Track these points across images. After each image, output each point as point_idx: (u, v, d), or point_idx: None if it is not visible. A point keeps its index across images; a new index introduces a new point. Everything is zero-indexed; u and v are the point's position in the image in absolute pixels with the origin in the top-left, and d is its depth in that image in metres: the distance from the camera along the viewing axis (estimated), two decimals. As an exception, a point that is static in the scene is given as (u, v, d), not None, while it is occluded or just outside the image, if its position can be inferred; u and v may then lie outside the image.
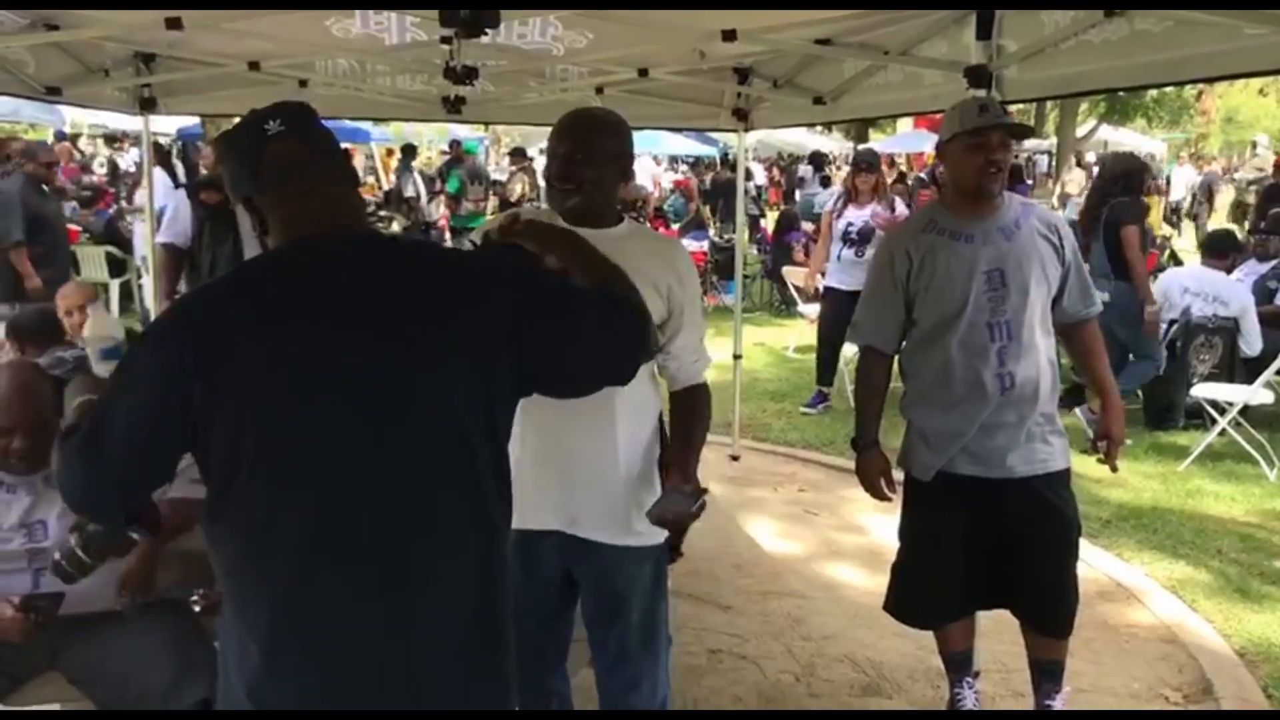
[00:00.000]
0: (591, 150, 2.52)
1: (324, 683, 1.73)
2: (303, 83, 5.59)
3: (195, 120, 13.76)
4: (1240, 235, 11.03)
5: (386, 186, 16.93)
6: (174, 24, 3.78)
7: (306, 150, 1.83)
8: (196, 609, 3.45)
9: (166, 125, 16.07)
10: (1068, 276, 3.34)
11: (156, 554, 3.01)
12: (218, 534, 1.77)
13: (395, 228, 15.26)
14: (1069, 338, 3.52)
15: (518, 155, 17.76)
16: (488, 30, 2.69)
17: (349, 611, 1.72)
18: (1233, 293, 7.74)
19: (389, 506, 1.73)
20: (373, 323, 1.74)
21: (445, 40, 4.26)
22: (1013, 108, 3.83)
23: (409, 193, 15.52)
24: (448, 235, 15.56)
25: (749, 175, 25.64)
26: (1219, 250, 8.21)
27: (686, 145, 29.41)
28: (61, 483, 1.78)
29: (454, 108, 5.76)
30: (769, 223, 16.52)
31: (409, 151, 16.64)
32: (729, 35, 3.86)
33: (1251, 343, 7.51)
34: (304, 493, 1.70)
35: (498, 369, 1.80)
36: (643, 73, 5.27)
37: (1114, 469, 3.50)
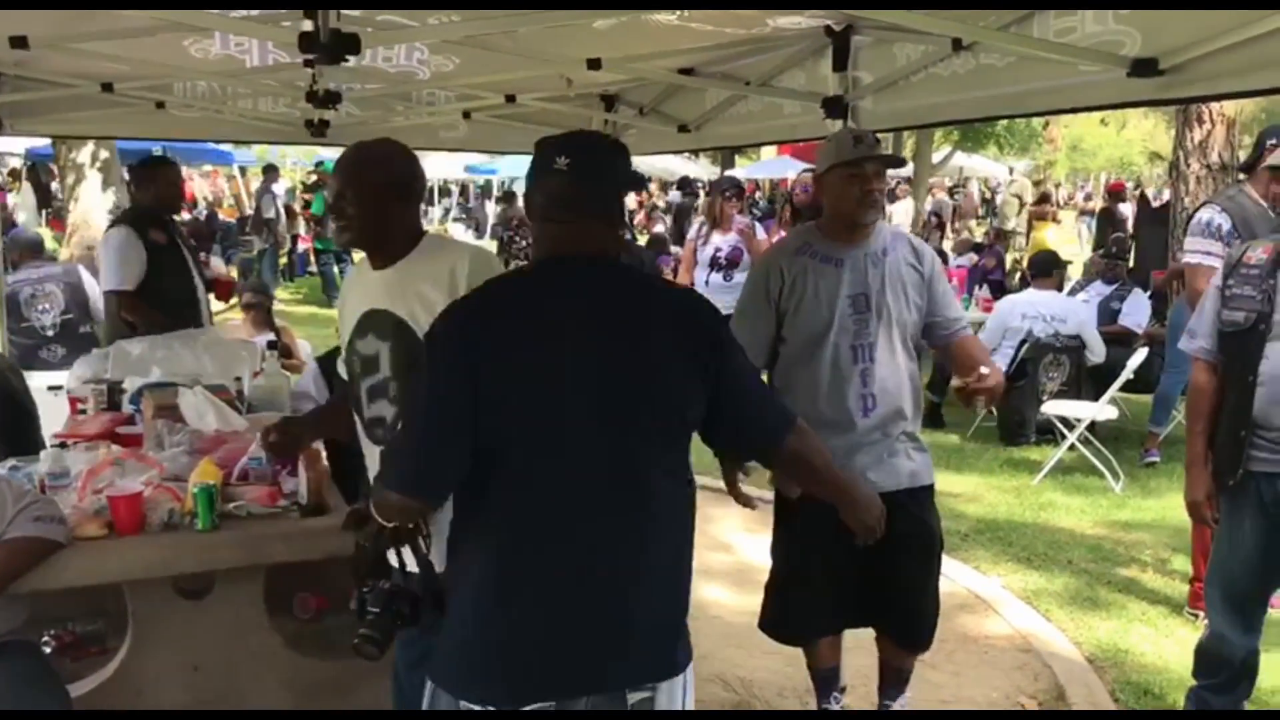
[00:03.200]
0: (357, 186, 2.63)
1: (550, 616, 2.09)
2: (160, 104, 5.44)
3: (46, 141, 13.23)
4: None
5: (248, 210, 16.53)
6: (19, 43, 3.64)
7: (577, 190, 2.13)
8: (47, 650, 3.34)
9: (13, 145, 15.40)
10: (933, 300, 3.48)
11: None
12: (482, 503, 2.10)
13: (255, 251, 14.93)
14: (949, 351, 3.63)
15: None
16: (349, 57, 2.66)
17: (582, 561, 2.10)
18: (1068, 310, 8.14)
19: (618, 486, 2.11)
20: (611, 333, 2.10)
21: (308, 64, 4.20)
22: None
23: (269, 214, 15.18)
24: (311, 256, 15.29)
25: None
26: (1046, 270, 8.65)
27: (557, 169, 29.38)
28: (388, 473, 2.15)
29: (318, 131, 5.68)
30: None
31: (270, 172, 16.28)
32: (594, 64, 3.90)
33: (1096, 350, 7.91)
34: (557, 474, 2.07)
35: (693, 395, 2.16)
36: (510, 99, 5.27)
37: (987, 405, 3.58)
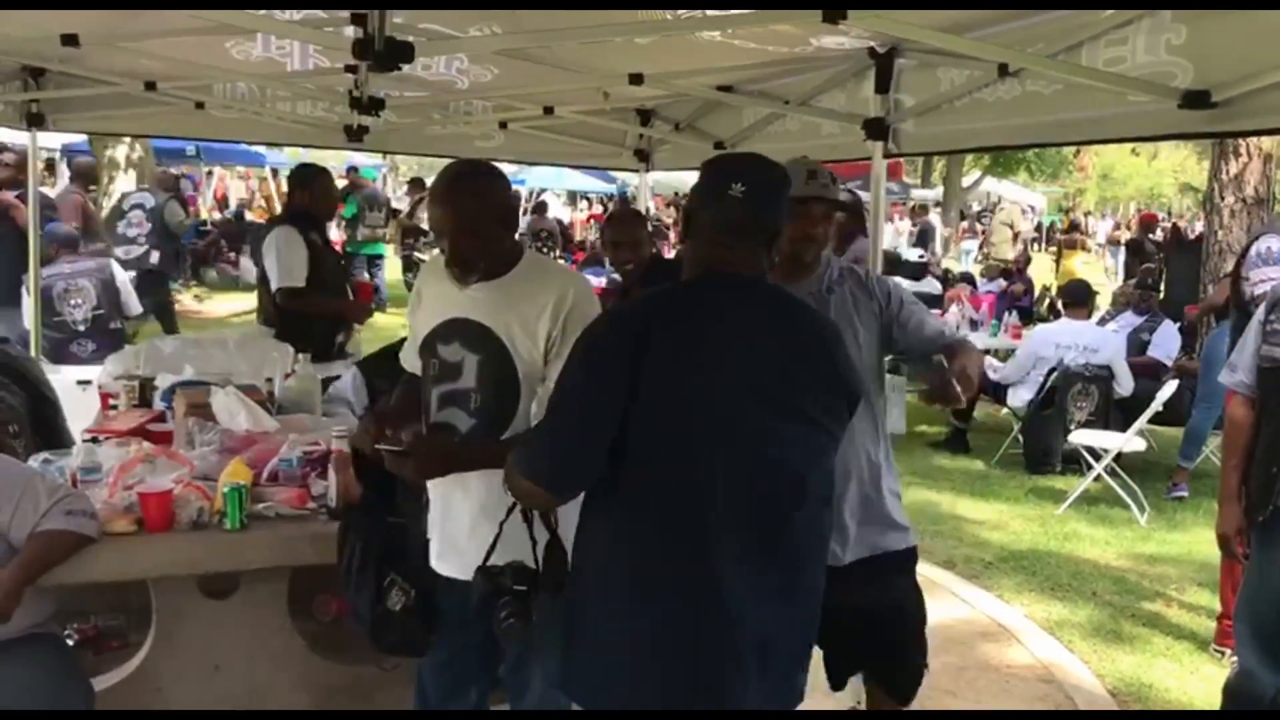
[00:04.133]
0: (463, 214, 2.62)
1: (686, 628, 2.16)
2: (199, 105, 5.48)
3: (82, 137, 13.35)
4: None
5: (278, 212, 16.57)
6: (70, 41, 3.67)
7: (750, 218, 2.21)
8: (70, 642, 3.35)
9: (49, 141, 15.55)
10: (892, 326, 3.16)
11: (15, 588, 2.88)
12: (628, 507, 2.16)
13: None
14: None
15: (417, 185, 17.63)
16: (401, 65, 2.68)
17: (724, 573, 2.15)
18: (1101, 340, 8.10)
19: (765, 500, 2.18)
20: (768, 351, 2.19)
21: (350, 69, 4.23)
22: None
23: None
24: (341, 260, 15.32)
25: (648, 213, 25.86)
26: (1080, 300, 8.64)
27: (587, 182, 29.53)
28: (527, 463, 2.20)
29: (356, 136, 5.71)
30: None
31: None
32: (636, 79, 3.91)
33: (1125, 384, 7.86)
34: (706, 482, 2.12)
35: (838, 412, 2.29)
36: (548, 110, 5.29)
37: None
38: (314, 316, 5.27)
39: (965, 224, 27.99)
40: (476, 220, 2.61)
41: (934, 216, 22.80)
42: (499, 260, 2.67)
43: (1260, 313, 3.47)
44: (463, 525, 2.73)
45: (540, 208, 20.98)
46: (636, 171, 6.82)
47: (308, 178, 5.63)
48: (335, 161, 23.85)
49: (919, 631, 3.34)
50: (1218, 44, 2.52)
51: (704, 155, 5.88)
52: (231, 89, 5.49)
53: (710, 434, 2.12)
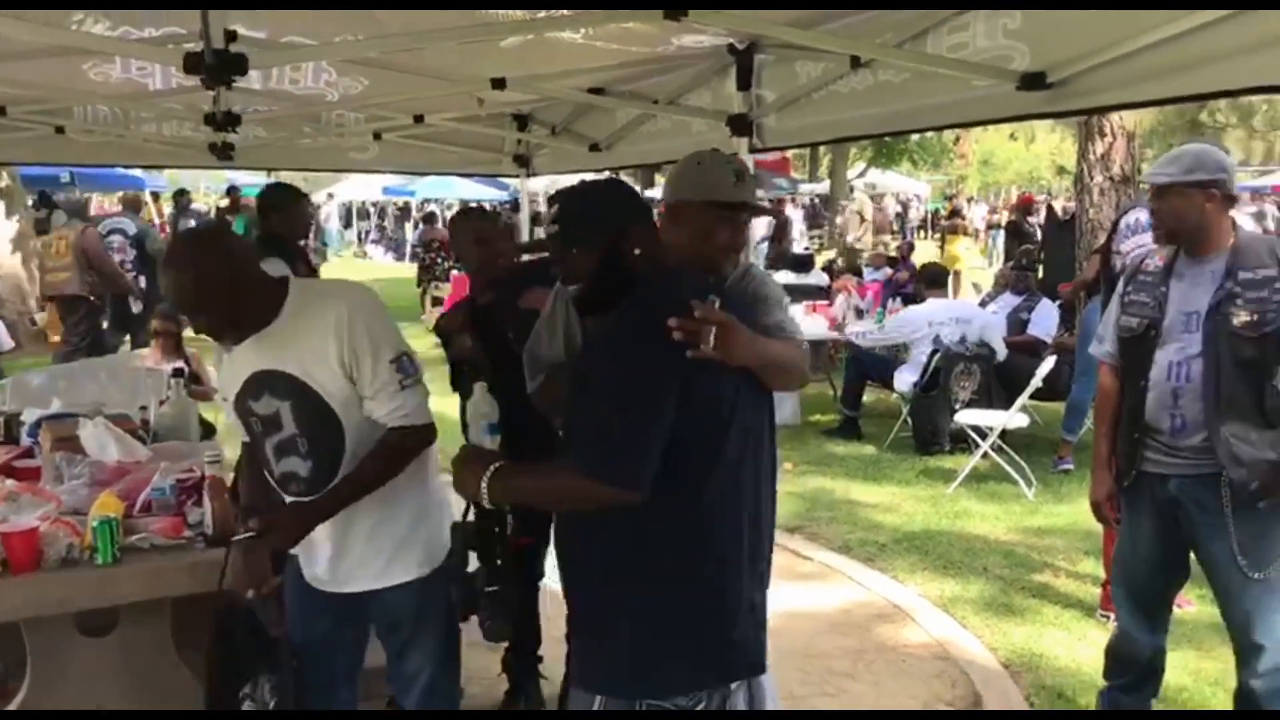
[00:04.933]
0: (192, 291, 2.59)
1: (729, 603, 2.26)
2: (59, 129, 5.31)
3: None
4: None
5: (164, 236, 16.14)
6: (-95, 68, 3.53)
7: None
8: None
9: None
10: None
11: None
12: (671, 493, 2.16)
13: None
14: None
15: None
16: (235, 77, 2.62)
17: (750, 546, 2.30)
18: (969, 310, 8.53)
19: (765, 467, 2.33)
20: None
21: (209, 86, 4.13)
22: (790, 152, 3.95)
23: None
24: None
25: (540, 220, 25.76)
26: (938, 282, 9.12)
27: (479, 190, 29.37)
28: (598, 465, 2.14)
29: (223, 154, 5.59)
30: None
31: (182, 197, 15.98)
32: (498, 83, 3.90)
33: (1000, 351, 8.28)
34: (735, 461, 2.22)
35: None
36: (418, 119, 5.24)
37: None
38: None
39: (857, 216, 28.45)
40: (198, 300, 2.60)
41: (790, 209, 23.01)
42: (257, 313, 2.66)
43: (1120, 285, 3.59)
44: (360, 532, 2.80)
45: (429, 218, 20.84)
46: (517, 177, 6.80)
47: (278, 200, 5.41)
48: (217, 181, 23.39)
49: None
50: (1051, 26, 2.60)
51: (582, 158, 5.93)
52: (92, 112, 5.34)
53: (741, 427, 2.22)
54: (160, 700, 3.37)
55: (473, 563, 2.71)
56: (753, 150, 3.91)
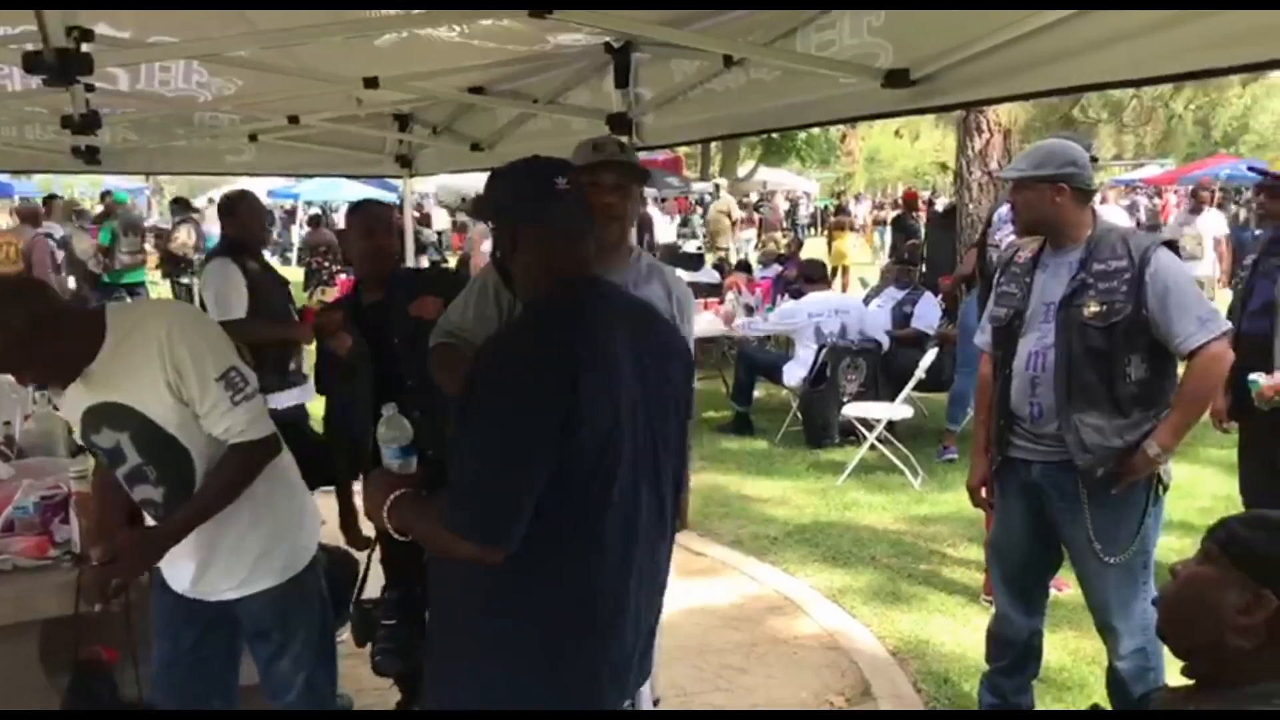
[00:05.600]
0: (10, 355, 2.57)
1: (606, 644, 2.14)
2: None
3: None
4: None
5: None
6: None
7: (580, 208, 2.17)
8: None
9: None
10: None
11: None
12: (547, 533, 2.00)
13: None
14: None
15: (181, 205, 16.83)
16: (84, 78, 2.53)
17: (632, 582, 2.15)
18: (847, 302, 8.86)
19: (655, 502, 2.16)
20: (646, 347, 2.14)
21: (52, 86, 3.98)
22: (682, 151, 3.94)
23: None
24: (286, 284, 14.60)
25: (428, 221, 25.46)
26: (819, 277, 9.43)
27: (365, 191, 28.88)
28: (465, 522, 1.98)
29: (88, 158, 5.39)
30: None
31: (50, 203, 15.40)
32: (371, 83, 3.82)
33: (883, 341, 8.54)
34: (618, 498, 2.05)
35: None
36: (293, 120, 5.12)
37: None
38: (261, 346, 4.85)
39: (744, 214, 28.76)
40: (11, 361, 2.56)
41: (652, 208, 23.11)
42: (77, 355, 2.60)
43: (995, 276, 3.69)
44: (223, 545, 2.78)
45: (315, 221, 20.49)
46: (399, 178, 6.69)
47: (229, 205, 5.41)
48: (92, 186, 22.62)
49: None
50: (913, 25, 2.65)
51: (464, 157, 5.86)
52: (-53, 116, 5.11)
53: (618, 445, 2.03)
54: (27, 723, 3.25)
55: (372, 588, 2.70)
56: (634, 149, 3.91)
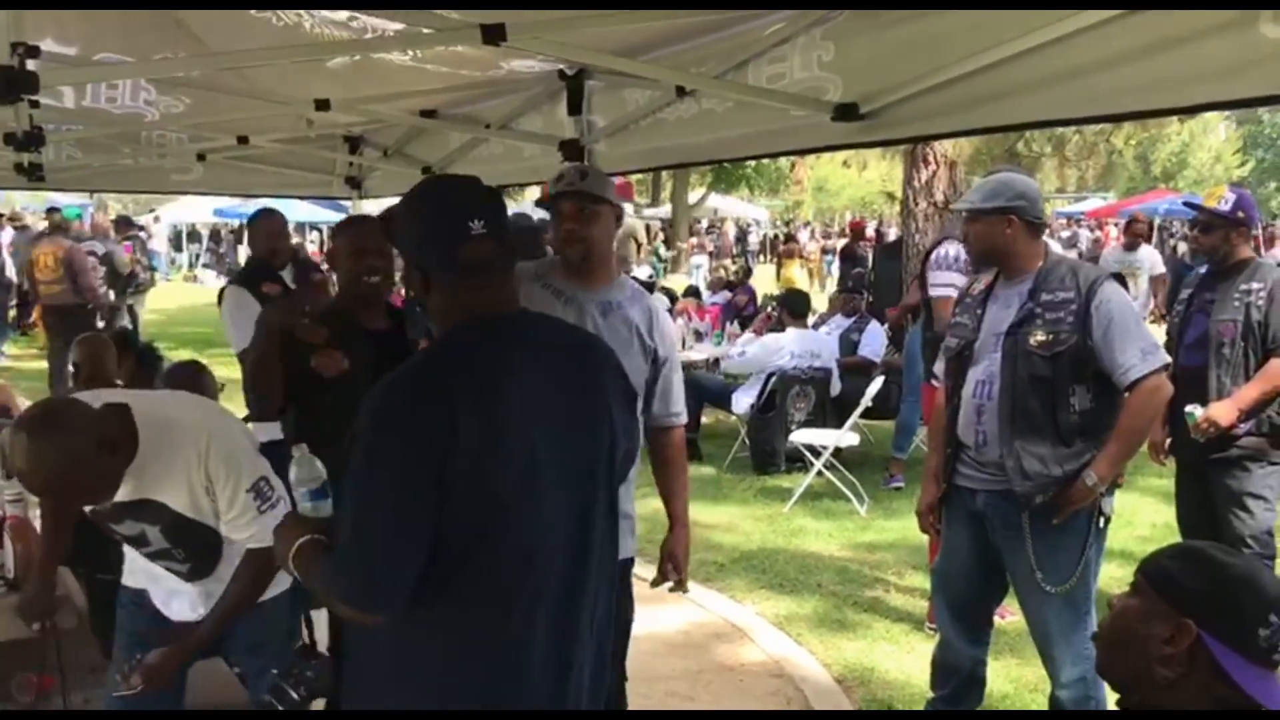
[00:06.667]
0: (54, 493, 2.58)
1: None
2: None
3: None
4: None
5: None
6: None
7: (497, 250, 1.99)
8: None
9: None
10: (655, 380, 3.26)
11: None
12: (442, 591, 1.89)
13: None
14: (655, 441, 3.41)
15: (123, 224, 16.60)
16: (28, 96, 2.50)
17: (549, 635, 2.01)
18: (821, 344, 8.60)
19: (577, 548, 2.03)
20: (565, 385, 2.03)
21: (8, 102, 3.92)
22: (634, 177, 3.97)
23: (-7, 262, 14.11)
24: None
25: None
26: (802, 312, 9.23)
27: (315, 212, 28.68)
28: (343, 587, 1.90)
29: (32, 175, 5.30)
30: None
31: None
32: (322, 105, 3.81)
33: (835, 386, 8.43)
34: (524, 549, 1.93)
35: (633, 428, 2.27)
36: (242, 140, 5.08)
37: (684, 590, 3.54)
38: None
39: (694, 240, 28.93)
40: (69, 496, 2.57)
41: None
42: (115, 480, 2.57)
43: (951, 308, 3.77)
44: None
45: (124, 221, 20.20)
46: (349, 199, 6.66)
47: (249, 224, 5.33)
48: (37, 201, 22.24)
49: (625, 645, 3.41)
50: (861, 59, 2.70)
51: (415, 180, 5.83)
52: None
53: (527, 493, 1.92)
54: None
55: None
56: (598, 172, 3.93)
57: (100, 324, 10.74)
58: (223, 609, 2.76)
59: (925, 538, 4.18)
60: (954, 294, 4.80)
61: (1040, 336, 3.32)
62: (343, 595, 1.91)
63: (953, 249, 5.00)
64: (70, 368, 4.51)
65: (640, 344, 3.18)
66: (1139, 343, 3.28)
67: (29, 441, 2.38)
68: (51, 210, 14.86)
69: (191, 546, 2.74)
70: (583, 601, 2.06)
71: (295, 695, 2.44)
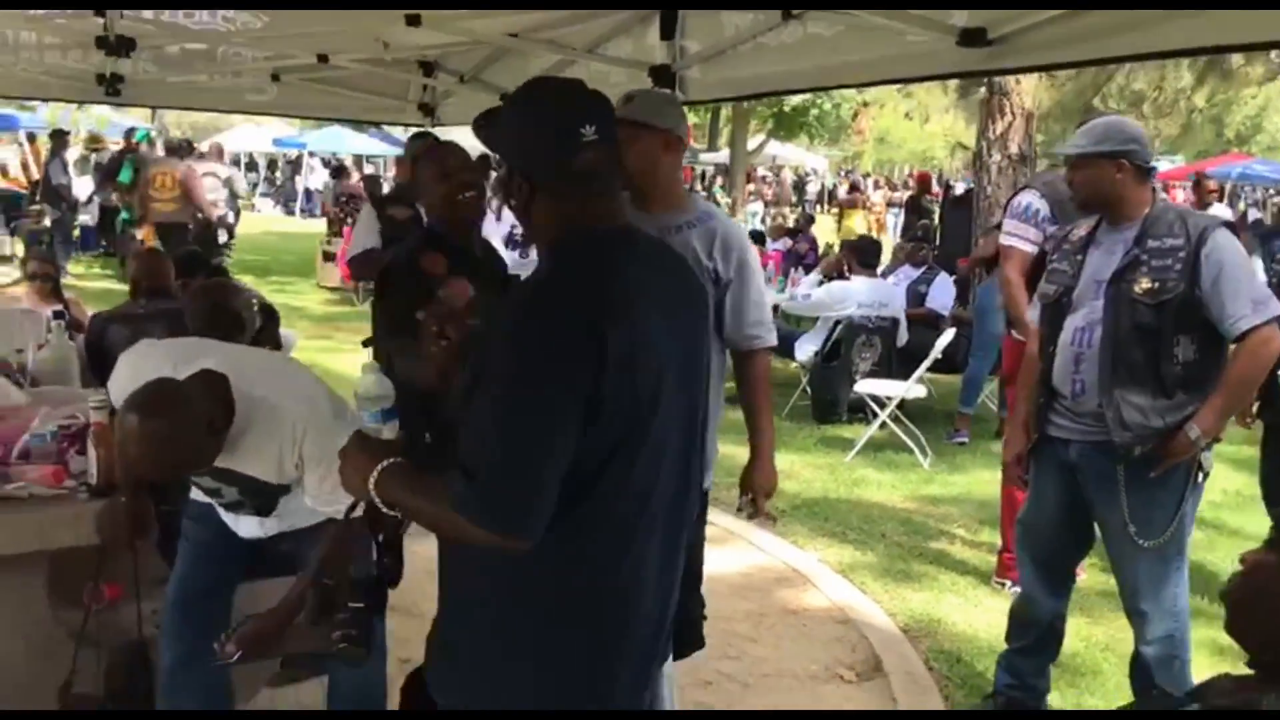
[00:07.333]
0: (161, 463, 2.55)
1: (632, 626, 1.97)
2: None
3: None
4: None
5: (36, 176, 15.39)
6: None
7: (609, 157, 1.90)
8: None
9: None
10: (722, 302, 3.15)
11: None
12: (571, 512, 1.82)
13: (46, 221, 13.95)
14: (736, 366, 3.39)
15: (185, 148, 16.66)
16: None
17: (659, 559, 1.98)
18: (890, 295, 8.42)
19: (684, 470, 1.99)
20: (678, 305, 1.96)
21: (98, 10, 3.89)
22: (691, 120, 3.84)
23: (59, 180, 14.23)
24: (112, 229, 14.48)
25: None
26: (873, 261, 9.02)
27: (369, 144, 28.72)
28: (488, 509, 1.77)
29: (111, 88, 5.28)
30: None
31: (57, 138, 15.23)
32: (413, 20, 3.73)
33: (903, 335, 8.26)
34: (649, 470, 1.88)
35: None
36: (322, 59, 5.02)
37: (771, 518, 3.52)
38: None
39: (751, 186, 28.61)
40: (173, 475, 2.69)
41: None
42: (214, 457, 2.59)
43: (1049, 253, 3.64)
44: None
45: (339, 171, 20.78)
46: (421, 126, 6.58)
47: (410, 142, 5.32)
48: (100, 125, 22.40)
49: (699, 578, 3.37)
50: (993, -19, 2.57)
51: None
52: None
53: (654, 413, 1.85)
54: (27, 656, 3.18)
55: None
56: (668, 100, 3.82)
57: (222, 239, 12.27)
58: (310, 575, 2.76)
59: (991, 493, 4.10)
60: (1021, 246, 4.67)
61: (1146, 284, 3.20)
62: (487, 518, 1.76)
63: (1031, 200, 4.78)
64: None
65: (699, 267, 3.05)
66: (1251, 293, 3.15)
67: (141, 426, 2.37)
68: (129, 132, 15.10)
69: (265, 499, 2.79)
70: (684, 529, 2.03)
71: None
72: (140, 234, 11.93)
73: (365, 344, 3.67)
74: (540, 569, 1.85)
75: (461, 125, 6.16)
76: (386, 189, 12.95)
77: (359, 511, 2.06)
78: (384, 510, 1.94)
